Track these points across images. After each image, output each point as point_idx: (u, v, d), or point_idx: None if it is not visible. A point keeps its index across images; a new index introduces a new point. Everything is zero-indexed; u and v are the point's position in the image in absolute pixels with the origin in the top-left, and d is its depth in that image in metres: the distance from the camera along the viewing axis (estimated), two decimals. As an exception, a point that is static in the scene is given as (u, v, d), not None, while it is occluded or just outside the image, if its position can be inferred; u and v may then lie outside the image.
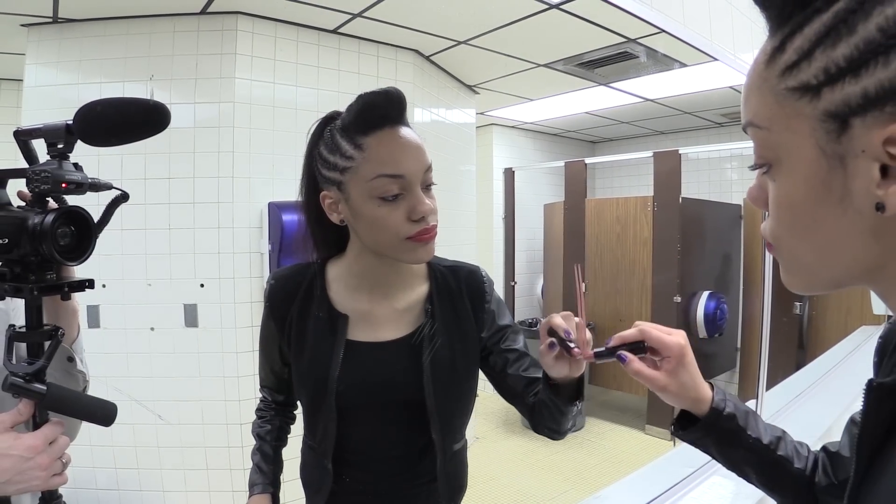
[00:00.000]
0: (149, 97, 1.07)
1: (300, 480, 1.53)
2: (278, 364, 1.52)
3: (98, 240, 1.12)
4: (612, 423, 6.25)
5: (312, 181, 1.34)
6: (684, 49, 3.87)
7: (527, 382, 1.43)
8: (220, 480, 3.61)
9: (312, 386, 1.36)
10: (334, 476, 1.42)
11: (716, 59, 2.75)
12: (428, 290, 1.42)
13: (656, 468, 2.37)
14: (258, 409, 1.60)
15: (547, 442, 5.55)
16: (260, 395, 1.62)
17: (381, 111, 1.23)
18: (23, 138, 1.10)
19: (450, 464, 1.43)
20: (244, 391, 3.61)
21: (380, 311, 1.39)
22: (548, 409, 1.33)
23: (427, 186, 1.26)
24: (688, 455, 2.36)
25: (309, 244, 1.42)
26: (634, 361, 1.05)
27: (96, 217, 1.12)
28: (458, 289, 1.44)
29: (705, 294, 5.91)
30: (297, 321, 1.40)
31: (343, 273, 1.41)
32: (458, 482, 1.49)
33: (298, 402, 1.54)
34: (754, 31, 3.23)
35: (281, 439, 1.59)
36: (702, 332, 5.89)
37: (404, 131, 1.25)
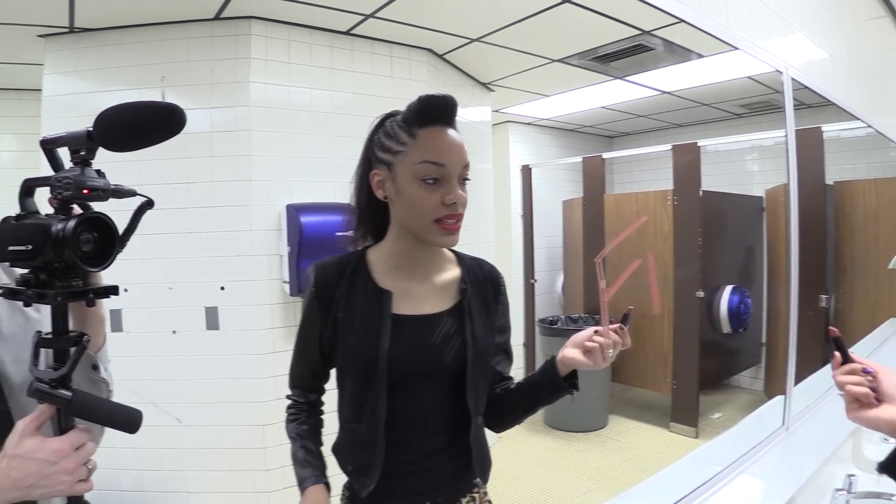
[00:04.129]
0: (160, 98, 1.09)
1: (342, 471, 1.60)
2: (316, 356, 1.60)
3: (127, 246, 1.14)
4: (635, 420, 6.19)
5: (367, 164, 1.53)
6: (701, 39, 3.82)
7: (499, 377, 1.67)
8: (242, 482, 3.63)
9: (362, 361, 1.48)
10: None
11: (735, 48, 2.72)
12: (461, 273, 1.61)
13: (682, 467, 2.34)
14: (290, 412, 1.67)
15: (570, 441, 5.60)
16: (289, 397, 1.69)
17: (436, 111, 1.45)
18: (48, 147, 1.12)
19: (478, 432, 1.59)
20: (265, 393, 3.63)
21: (419, 287, 1.55)
22: (534, 397, 1.60)
23: (462, 181, 1.46)
24: (714, 453, 2.34)
25: (353, 224, 1.61)
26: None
27: (122, 224, 1.14)
28: (483, 278, 1.64)
29: (728, 288, 5.87)
30: (343, 301, 1.52)
31: (383, 255, 1.56)
32: (485, 451, 1.62)
33: (338, 392, 1.60)
34: (772, 18, 3.20)
35: (318, 438, 1.65)
36: (726, 328, 5.85)
37: (451, 131, 1.46)
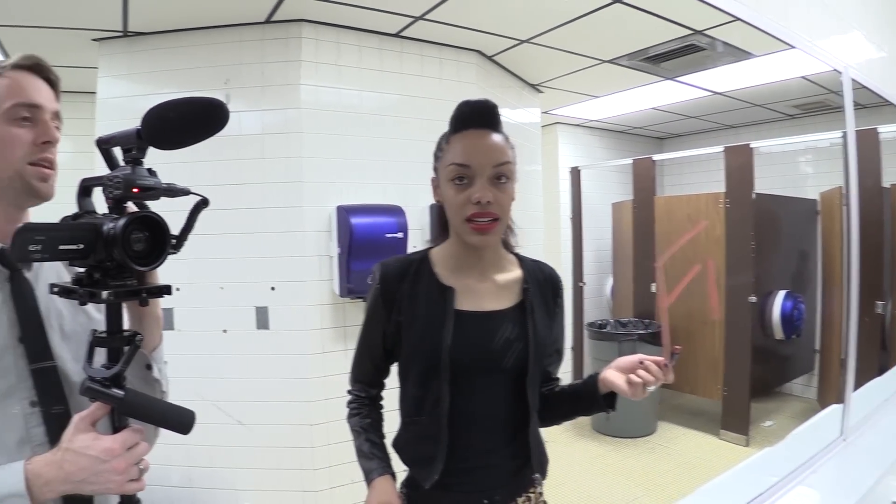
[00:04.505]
0: (224, 100, 1.10)
1: (404, 465, 1.65)
2: (379, 350, 1.66)
3: (192, 246, 1.15)
4: (684, 427, 6.08)
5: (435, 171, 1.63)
6: (754, 39, 3.77)
7: (547, 377, 1.72)
8: (290, 480, 3.66)
9: (425, 355, 1.54)
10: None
11: (791, 47, 2.67)
12: (522, 274, 1.66)
13: (735, 476, 2.29)
14: (352, 406, 1.73)
15: (617, 446, 5.54)
16: (350, 392, 1.75)
17: (466, 116, 1.53)
18: (103, 146, 1.14)
19: (535, 429, 1.63)
20: (314, 393, 3.65)
21: (481, 285, 1.61)
22: (573, 406, 1.69)
23: (497, 178, 1.49)
24: (769, 463, 2.29)
25: (433, 225, 1.77)
26: None
27: (179, 224, 1.15)
28: (543, 279, 1.70)
29: (781, 293, 5.75)
30: (407, 297, 1.59)
31: (446, 254, 1.64)
32: (542, 448, 1.66)
33: (400, 387, 1.66)
34: (830, 17, 3.13)
35: (381, 432, 1.69)
36: (778, 334, 5.73)
37: (482, 133, 1.51)
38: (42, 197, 1.26)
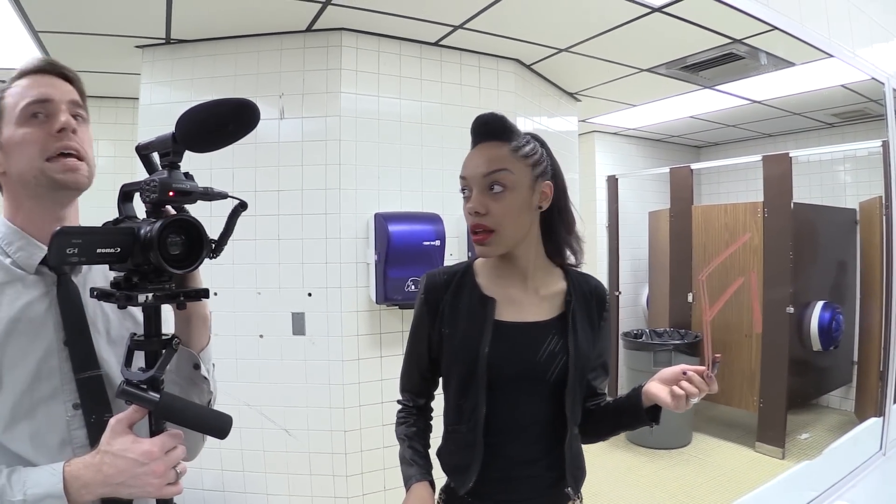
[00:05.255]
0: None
1: (443, 472, 1.67)
2: (425, 360, 1.68)
3: (231, 251, 1.17)
4: (719, 439, 6.01)
5: None
6: (794, 47, 3.72)
7: (593, 392, 1.71)
8: (323, 486, 3.67)
9: (465, 362, 1.55)
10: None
11: (831, 56, 2.64)
12: (567, 285, 1.65)
13: (774, 490, 2.26)
14: (399, 415, 1.74)
15: (652, 457, 5.49)
16: (399, 402, 1.77)
17: (472, 133, 1.58)
18: (143, 152, 1.15)
19: (574, 442, 1.62)
20: (349, 399, 3.67)
21: (524, 296, 1.61)
22: (617, 421, 1.67)
23: (490, 188, 1.51)
24: (807, 477, 2.26)
25: None
26: None
27: (218, 229, 1.16)
28: (589, 293, 1.68)
29: (819, 304, 5.66)
30: (450, 305, 1.61)
31: (489, 265, 1.65)
32: (580, 462, 1.67)
33: (444, 396, 1.67)
34: (872, 26, 3.09)
35: (426, 441, 1.70)
36: (816, 345, 5.63)
37: (485, 145, 1.55)
38: (73, 188, 1.26)
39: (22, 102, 1.23)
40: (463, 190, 1.56)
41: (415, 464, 1.61)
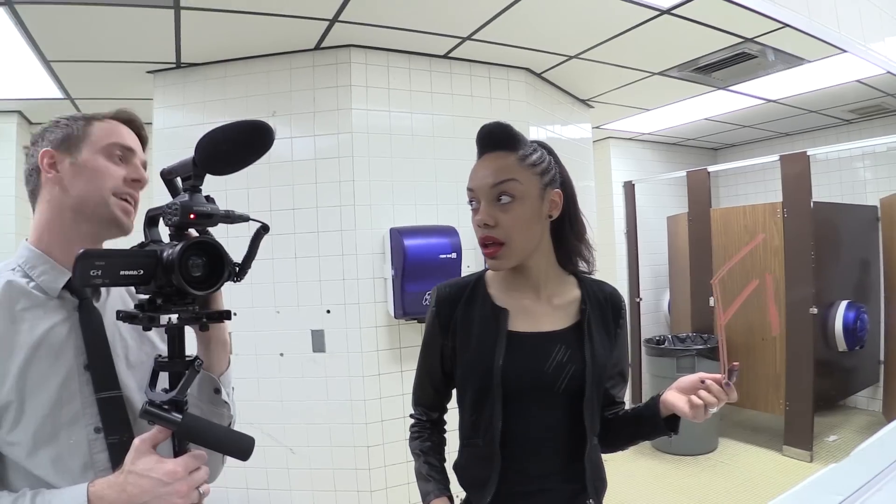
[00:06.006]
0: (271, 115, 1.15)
1: (461, 487, 1.65)
2: (438, 373, 1.66)
3: (250, 271, 1.19)
4: (746, 443, 5.92)
5: None
6: (807, 44, 3.69)
7: (611, 400, 1.69)
8: (347, 502, 3.66)
9: (479, 375, 1.52)
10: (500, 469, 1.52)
11: (844, 51, 2.62)
12: (581, 294, 1.62)
13: (800, 495, 2.21)
14: (413, 430, 1.72)
15: (677, 464, 5.44)
16: (412, 416, 1.74)
17: (478, 143, 1.57)
18: (167, 177, 1.20)
19: (594, 453, 1.59)
20: (371, 415, 3.66)
21: (537, 306, 1.58)
22: (635, 430, 1.64)
23: (497, 199, 1.48)
24: (834, 480, 2.21)
25: None
26: None
27: (241, 250, 1.18)
28: (603, 299, 1.65)
29: (843, 304, 5.59)
30: (462, 318, 1.59)
31: (501, 275, 1.62)
32: (600, 473, 1.63)
33: (459, 409, 1.65)
34: (884, 19, 3.06)
35: (441, 455, 1.69)
36: (841, 345, 5.55)
37: (492, 155, 1.52)
38: (122, 229, 1.32)
39: (110, 139, 1.31)
40: (471, 202, 1.53)
41: (432, 479, 1.60)
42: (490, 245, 1.49)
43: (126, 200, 1.31)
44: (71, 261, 1.04)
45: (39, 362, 1.17)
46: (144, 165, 1.37)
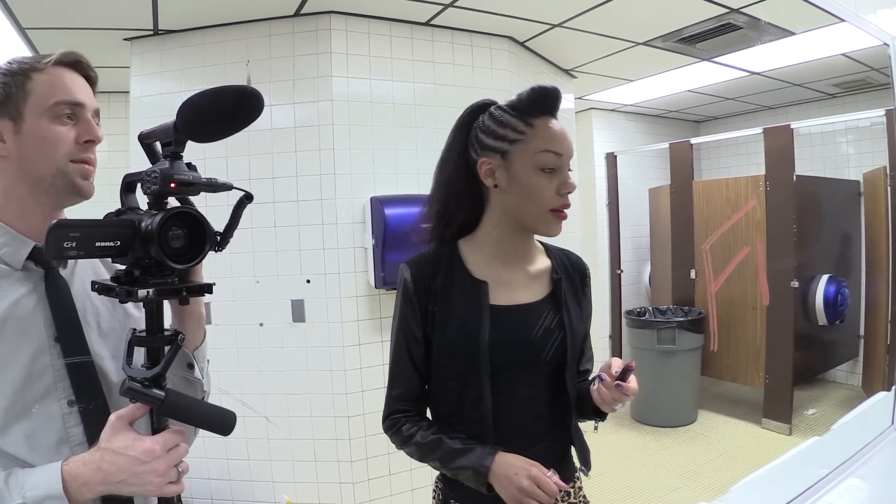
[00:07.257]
0: (246, 82, 1.09)
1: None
2: (420, 354, 1.55)
3: (231, 241, 1.14)
4: (725, 416, 5.96)
5: (464, 152, 1.55)
6: (793, 15, 3.67)
7: (580, 369, 1.67)
8: (328, 472, 3.68)
9: (463, 352, 1.49)
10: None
11: (840, 20, 2.59)
12: (551, 263, 1.63)
13: (783, 467, 2.21)
14: (404, 428, 1.56)
15: (657, 436, 5.48)
16: (395, 413, 1.60)
17: (550, 102, 1.49)
18: (145, 141, 1.13)
19: (578, 420, 1.63)
20: (351, 385, 3.66)
21: (514, 277, 1.57)
22: (581, 407, 1.61)
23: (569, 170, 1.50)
24: (818, 453, 2.22)
25: (435, 217, 1.60)
26: None
27: (223, 220, 1.13)
28: (571, 269, 1.66)
29: (824, 278, 5.62)
30: (441, 294, 1.53)
31: (477, 246, 1.58)
32: (584, 442, 1.65)
33: (434, 387, 1.60)
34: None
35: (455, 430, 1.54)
36: (822, 319, 5.59)
37: (555, 122, 1.50)
38: (83, 195, 1.25)
39: (54, 97, 1.19)
40: (550, 168, 1.47)
41: (472, 445, 1.46)
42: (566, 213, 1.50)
43: (84, 162, 1.23)
44: (33, 230, 0.99)
45: (7, 337, 1.12)
46: (97, 114, 1.28)
